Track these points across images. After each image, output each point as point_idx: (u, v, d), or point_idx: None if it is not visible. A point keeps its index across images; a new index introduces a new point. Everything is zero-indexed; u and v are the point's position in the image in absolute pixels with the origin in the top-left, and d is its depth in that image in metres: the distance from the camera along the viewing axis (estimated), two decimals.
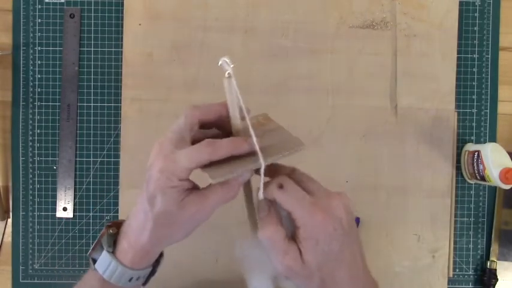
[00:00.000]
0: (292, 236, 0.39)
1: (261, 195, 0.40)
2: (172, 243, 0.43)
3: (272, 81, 0.66)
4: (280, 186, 0.39)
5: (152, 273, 0.46)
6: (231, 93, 0.38)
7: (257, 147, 0.38)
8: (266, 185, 0.40)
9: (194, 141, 0.39)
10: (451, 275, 0.66)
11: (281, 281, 0.41)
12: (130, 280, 0.43)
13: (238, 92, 0.38)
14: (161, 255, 0.46)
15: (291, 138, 0.42)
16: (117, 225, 0.44)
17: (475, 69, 0.68)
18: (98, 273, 0.42)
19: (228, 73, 0.38)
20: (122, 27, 0.66)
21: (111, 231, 0.43)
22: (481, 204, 0.68)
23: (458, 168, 0.67)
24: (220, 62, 0.38)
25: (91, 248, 0.44)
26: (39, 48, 0.67)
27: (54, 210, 0.66)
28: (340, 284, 0.39)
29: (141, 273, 0.43)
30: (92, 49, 0.67)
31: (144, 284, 0.45)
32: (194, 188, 0.40)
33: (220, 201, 0.40)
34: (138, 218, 0.41)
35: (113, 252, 0.42)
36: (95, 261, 0.43)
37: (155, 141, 0.40)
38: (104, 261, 0.42)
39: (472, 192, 0.67)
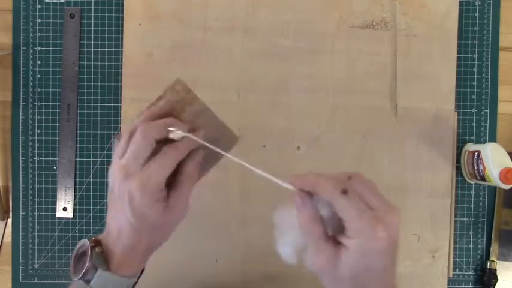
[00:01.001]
0: (335, 236, 0.38)
1: (288, 186, 0.39)
2: (163, 243, 0.46)
3: (272, 81, 0.66)
4: (344, 192, 0.36)
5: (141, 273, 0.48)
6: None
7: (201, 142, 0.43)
8: (318, 183, 0.38)
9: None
10: (451, 275, 0.66)
11: (304, 255, 0.40)
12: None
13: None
14: None
15: (222, 127, 0.45)
16: (97, 242, 0.44)
17: (475, 69, 0.68)
18: None
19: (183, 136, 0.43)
20: (122, 27, 0.66)
21: (97, 249, 0.43)
22: (481, 204, 0.68)
23: (458, 168, 0.67)
24: (171, 136, 0.43)
25: (81, 273, 0.43)
26: (39, 48, 0.67)
27: (54, 210, 0.66)
28: None
29: (134, 279, 0.46)
30: (92, 49, 0.67)
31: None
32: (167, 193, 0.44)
33: (191, 189, 0.44)
34: (128, 234, 0.43)
35: (108, 269, 0.43)
36: (88, 281, 0.43)
37: (114, 166, 0.43)
38: (102, 279, 0.43)
39: (472, 192, 0.67)
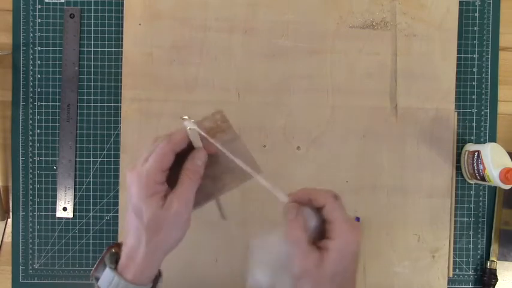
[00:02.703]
0: (315, 243, 0.43)
1: (283, 198, 0.44)
2: (168, 250, 0.45)
3: (272, 81, 0.66)
4: (336, 197, 0.43)
5: None
6: (195, 138, 0.44)
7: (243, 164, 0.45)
8: (313, 192, 0.44)
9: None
10: (451, 275, 0.66)
11: (279, 278, 0.44)
12: None
13: (199, 138, 0.45)
14: (160, 274, 0.48)
15: (248, 157, 0.46)
16: (119, 246, 0.46)
17: (475, 69, 0.68)
18: None
19: (189, 129, 0.44)
20: (122, 27, 0.66)
21: (113, 250, 0.46)
22: (481, 204, 0.68)
23: (458, 168, 0.67)
24: (185, 123, 0.44)
25: (94, 267, 0.45)
26: (39, 48, 0.67)
27: (54, 210, 0.66)
28: None
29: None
30: (92, 49, 0.67)
31: None
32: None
33: (191, 188, 0.44)
34: (132, 234, 0.44)
35: (115, 269, 0.44)
36: (97, 279, 0.45)
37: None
38: (107, 278, 0.44)
39: (472, 192, 0.67)
